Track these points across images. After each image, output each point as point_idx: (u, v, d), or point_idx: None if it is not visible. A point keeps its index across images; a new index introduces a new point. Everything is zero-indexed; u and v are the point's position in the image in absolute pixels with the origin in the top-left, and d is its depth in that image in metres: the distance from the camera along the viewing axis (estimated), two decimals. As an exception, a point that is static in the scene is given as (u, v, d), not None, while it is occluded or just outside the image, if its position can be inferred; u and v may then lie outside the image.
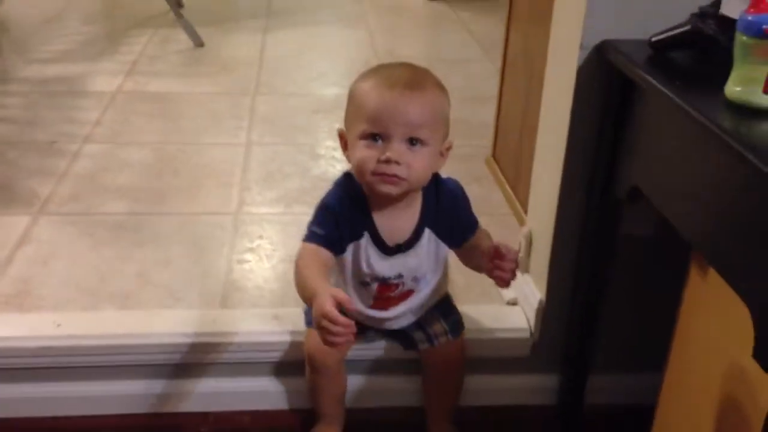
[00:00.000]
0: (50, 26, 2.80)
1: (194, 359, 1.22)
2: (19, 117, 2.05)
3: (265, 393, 1.24)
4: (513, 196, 1.68)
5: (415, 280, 1.06)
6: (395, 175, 0.93)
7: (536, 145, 1.22)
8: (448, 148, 1.00)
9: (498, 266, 0.99)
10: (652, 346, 1.11)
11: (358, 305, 1.05)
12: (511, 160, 1.74)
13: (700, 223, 0.84)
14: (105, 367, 1.21)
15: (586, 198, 1.09)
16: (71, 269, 1.39)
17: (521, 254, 1.27)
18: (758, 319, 0.70)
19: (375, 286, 1.05)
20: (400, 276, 1.04)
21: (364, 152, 0.94)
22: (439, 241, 1.05)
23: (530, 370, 1.25)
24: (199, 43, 2.61)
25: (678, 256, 1.01)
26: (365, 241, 1.01)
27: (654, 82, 0.87)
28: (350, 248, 1.01)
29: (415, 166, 0.93)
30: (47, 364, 1.19)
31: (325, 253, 0.99)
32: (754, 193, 0.71)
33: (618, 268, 1.15)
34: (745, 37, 0.76)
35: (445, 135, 0.99)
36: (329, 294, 0.86)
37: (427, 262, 1.06)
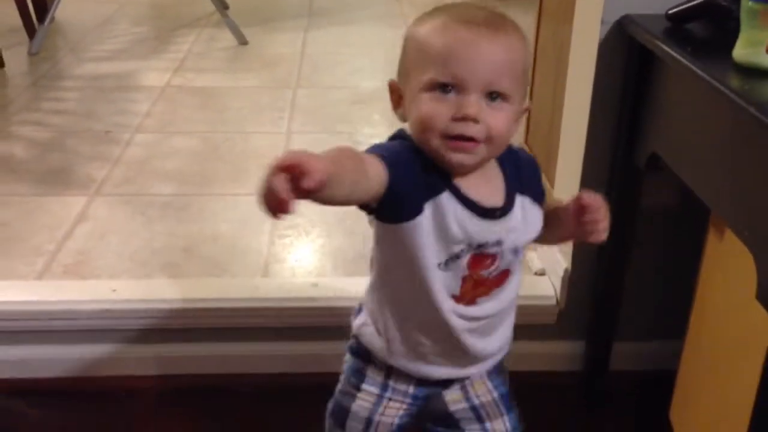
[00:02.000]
0: (102, 28, 2.95)
1: (238, 323, 1.30)
2: (75, 109, 2.18)
3: (307, 356, 1.31)
4: (545, 179, 1.73)
5: (515, 252, 0.81)
6: (472, 138, 0.72)
7: (562, 121, 1.28)
8: (526, 110, 0.81)
9: (587, 221, 0.80)
10: (674, 313, 1.16)
11: (442, 300, 0.79)
12: (542, 145, 1.79)
13: (711, 180, 0.89)
14: (158, 330, 1.30)
15: (609, 168, 1.15)
16: (125, 243, 1.49)
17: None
18: (761, 262, 0.75)
19: (467, 258, 0.78)
20: (499, 243, 0.78)
21: (431, 106, 0.72)
22: (528, 211, 0.82)
23: (557, 337, 1.30)
24: (243, 41, 2.72)
25: (698, 225, 1.06)
26: (447, 198, 0.75)
27: (668, 50, 0.92)
28: (429, 208, 0.75)
29: (496, 127, 0.72)
30: (104, 327, 1.29)
31: (374, 162, 0.71)
32: (757, 144, 0.76)
33: (641, 239, 1.19)
34: (750, 3, 0.81)
35: (525, 94, 0.80)
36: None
37: (523, 234, 0.82)
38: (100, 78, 2.41)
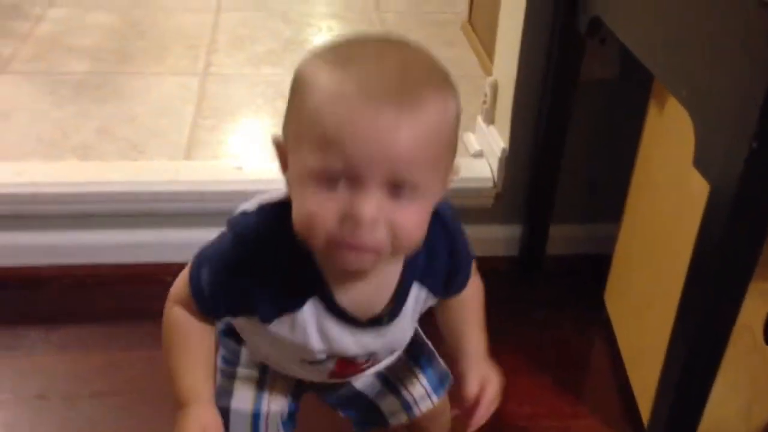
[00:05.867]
0: None
1: (157, 209, 1.21)
2: (-19, -18, 1.98)
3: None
4: (488, 60, 1.64)
5: (394, 352, 0.73)
6: (369, 246, 0.55)
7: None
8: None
9: (466, 412, 0.70)
10: (612, 196, 1.12)
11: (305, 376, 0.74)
12: (486, 25, 1.69)
13: (651, 40, 0.82)
14: (66, 216, 1.21)
15: (549, 37, 1.07)
16: (32, 123, 1.37)
17: (486, 105, 1.26)
18: (699, 124, 0.70)
19: (333, 363, 0.69)
20: (372, 354, 0.69)
21: (316, 203, 0.54)
22: (421, 304, 0.68)
23: (493, 221, 1.26)
24: None
25: (637, 104, 1.00)
26: (312, 310, 0.63)
27: None
28: (282, 322, 0.64)
29: (403, 226, 0.55)
30: (7, 212, 1.19)
31: (203, 330, 0.66)
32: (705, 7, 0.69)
33: (579, 116, 1.13)
34: None
35: (449, 169, 0.59)
36: (201, 424, 0.64)
37: (411, 325, 0.70)
38: (9, -51, 2.19)
